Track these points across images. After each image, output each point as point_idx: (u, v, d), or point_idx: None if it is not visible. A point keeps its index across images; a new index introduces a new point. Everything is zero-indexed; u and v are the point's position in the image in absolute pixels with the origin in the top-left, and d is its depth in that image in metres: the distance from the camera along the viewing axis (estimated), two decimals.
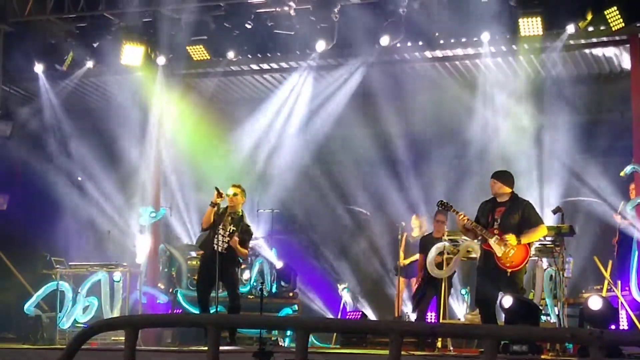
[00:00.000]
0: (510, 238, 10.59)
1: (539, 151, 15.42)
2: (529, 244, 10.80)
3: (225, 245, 11.77)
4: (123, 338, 6.75)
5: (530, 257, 10.96)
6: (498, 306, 10.80)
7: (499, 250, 10.62)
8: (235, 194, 11.89)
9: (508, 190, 10.86)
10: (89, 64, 15.23)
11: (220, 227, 11.74)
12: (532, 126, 15.55)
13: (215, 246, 11.71)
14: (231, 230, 11.81)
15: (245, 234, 11.94)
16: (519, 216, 10.74)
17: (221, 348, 10.82)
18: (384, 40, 13.88)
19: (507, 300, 11.26)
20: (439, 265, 12.47)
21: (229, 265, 11.90)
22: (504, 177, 10.94)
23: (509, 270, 10.65)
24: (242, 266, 13.31)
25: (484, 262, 10.84)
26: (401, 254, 14.13)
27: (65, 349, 6.81)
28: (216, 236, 11.73)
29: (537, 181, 15.34)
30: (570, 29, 13.34)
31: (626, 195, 13.28)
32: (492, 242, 10.64)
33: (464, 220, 10.78)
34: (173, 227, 16.43)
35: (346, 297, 15.36)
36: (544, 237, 11.38)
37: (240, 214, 11.98)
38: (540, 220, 10.94)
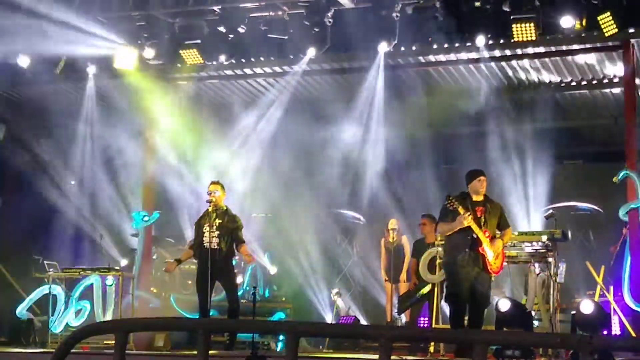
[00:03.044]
0: (499, 245, 10.65)
1: (532, 156, 15.45)
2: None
3: (216, 241, 11.80)
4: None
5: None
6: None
7: (491, 255, 10.58)
8: (216, 191, 11.95)
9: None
10: (82, 67, 15.22)
11: (207, 225, 11.80)
12: (524, 131, 15.59)
13: (206, 245, 11.74)
14: (218, 224, 11.85)
15: (233, 223, 11.95)
16: (497, 219, 10.78)
17: (214, 352, 10.84)
18: (378, 45, 13.90)
19: (504, 304, 11.31)
20: (432, 270, 12.51)
21: (225, 264, 11.90)
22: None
23: (494, 275, 10.75)
24: (235, 270, 13.28)
25: (467, 259, 10.54)
26: (383, 259, 14.18)
27: (54, 353, 6.80)
28: (204, 235, 11.78)
29: (528, 186, 15.37)
30: (564, 34, 13.36)
31: (620, 200, 13.29)
32: (486, 245, 10.54)
33: (469, 220, 10.45)
34: (166, 231, 16.41)
35: (339, 302, 15.35)
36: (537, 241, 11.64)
37: (225, 208, 12.03)
38: (509, 224, 11.09)
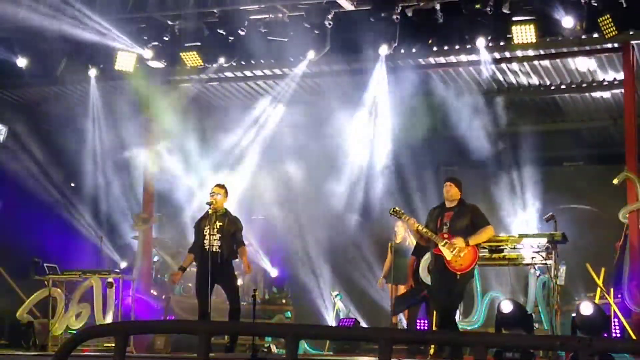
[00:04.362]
0: (458, 241, 10.78)
1: (532, 158, 15.45)
2: (477, 247, 10.97)
3: (217, 244, 11.79)
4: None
5: (478, 260, 11.09)
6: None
7: (448, 254, 10.80)
8: (218, 193, 11.94)
9: (459, 195, 11.08)
10: (83, 69, 15.24)
11: (207, 228, 11.78)
12: (524, 133, 15.60)
13: (207, 247, 11.73)
14: (219, 227, 11.84)
15: (233, 225, 11.95)
16: (468, 220, 10.97)
17: (215, 355, 10.83)
18: (378, 47, 13.90)
19: (506, 305, 11.34)
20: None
21: (226, 267, 11.89)
22: (458, 182, 11.17)
23: (458, 273, 10.79)
24: (236, 272, 13.27)
25: (434, 265, 11.06)
26: (387, 261, 14.16)
27: (54, 355, 6.79)
28: (205, 237, 11.77)
29: (528, 188, 15.37)
30: (564, 36, 13.38)
31: (620, 202, 13.29)
32: (442, 246, 10.82)
33: (415, 226, 10.97)
34: (166, 233, 16.41)
35: (339, 304, 15.34)
36: (531, 244, 11.89)
37: (224, 211, 12.02)
38: (487, 222, 11.11)
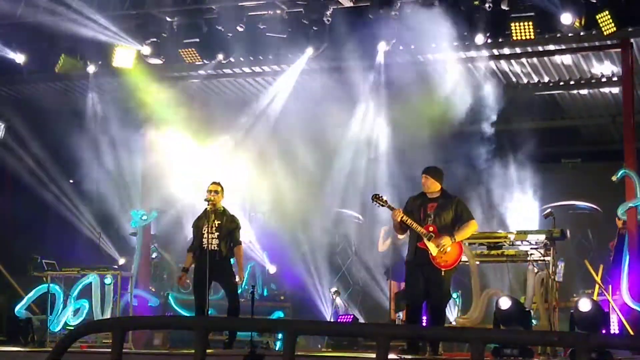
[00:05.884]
0: (446, 241, 10.64)
1: (530, 154, 15.45)
2: (461, 242, 10.88)
3: (216, 242, 11.78)
4: None
5: (461, 257, 10.99)
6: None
7: (434, 250, 10.66)
8: (216, 191, 11.93)
9: (439, 186, 10.95)
10: (81, 66, 15.23)
11: (206, 226, 11.78)
12: (523, 129, 15.59)
13: (205, 246, 11.72)
14: (217, 225, 11.83)
15: (232, 223, 11.94)
16: (452, 212, 10.83)
17: (213, 351, 10.83)
18: (376, 44, 13.90)
19: (505, 302, 11.32)
20: None
21: (225, 265, 11.88)
22: (436, 173, 11.04)
23: (443, 269, 10.69)
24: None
25: (414, 257, 10.83)
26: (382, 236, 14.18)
27: (51, 351, 6.79)
28: (204, 236, 11.76)
29: (527, 184, 15.37)
30: (562, 33, 13.38)
31: (618, 199, 13.30)
32: (427, 240, 10.67)
33: (400, 217, 10.74)
34: (165, 229, 16.40)
35: (338, 300, 15.34)
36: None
37: (222, 209, 12.02)
38: (472, 216, 11.01)
